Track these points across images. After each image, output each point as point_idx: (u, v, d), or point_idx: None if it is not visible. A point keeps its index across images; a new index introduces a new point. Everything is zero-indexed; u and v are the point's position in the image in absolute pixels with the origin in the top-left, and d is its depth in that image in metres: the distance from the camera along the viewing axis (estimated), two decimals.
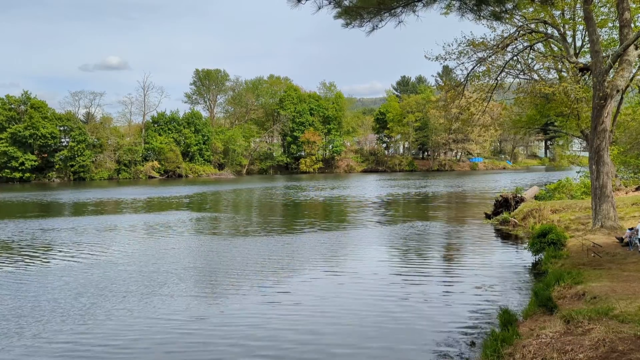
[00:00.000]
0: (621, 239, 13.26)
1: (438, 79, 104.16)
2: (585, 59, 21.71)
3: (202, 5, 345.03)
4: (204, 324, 9.82)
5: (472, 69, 19.40)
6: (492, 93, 20.36)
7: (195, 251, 17.71)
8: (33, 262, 16.30)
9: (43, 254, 17.76)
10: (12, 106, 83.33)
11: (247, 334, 9.17)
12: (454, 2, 8.98)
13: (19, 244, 19.74)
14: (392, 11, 8.93)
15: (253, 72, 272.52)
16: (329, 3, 8.86)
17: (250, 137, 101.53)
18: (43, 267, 15.63)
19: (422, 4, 8.83)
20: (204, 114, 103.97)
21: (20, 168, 79.21)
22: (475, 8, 8.77)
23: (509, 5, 9.30)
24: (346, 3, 8.92)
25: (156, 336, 9.19)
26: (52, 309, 10.95)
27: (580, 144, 47.91)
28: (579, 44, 23.25)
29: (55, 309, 10.91)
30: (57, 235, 21.88)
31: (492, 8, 8.96)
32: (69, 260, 16.41)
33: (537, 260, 14.41)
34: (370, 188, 52.04)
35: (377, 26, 9.37)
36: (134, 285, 12.82)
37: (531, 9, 19.51)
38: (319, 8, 8.87)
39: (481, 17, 9.31)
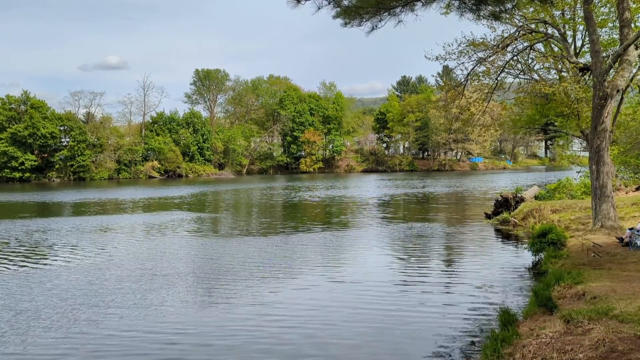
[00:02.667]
0: (621, 239, 13.26)
1: (438, 78, 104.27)
2: (585, 59, 21.69)
3: (201, 5, 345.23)
4: (192, 336, 9.13)
5: (472, 69, 19.42)
6: (492, 93, 20.37)
7: (188, 254, 17.05)
8: (13, 265, 15.59)
9: (25, 256, 17.07)
10: (12, 106, 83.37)
11: (241, 348, 8.55)
12: (453, 2, 8.97)
13: (0, 247, 19.05)
14: (392, 10, 8.92)
15: (253, 72, 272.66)
16: (329, 3, 8.84)
17: (251, 137, 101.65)
18: (24, 270, 14.88)
19: (422, 4, 8.81)
20: (204, 113, 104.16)
21: (20, 168, 79.25)
22: (474, 7, 8.76)
23: (509, 5, 9.29)
24: (345, 3, 8.90)
25: (139, 351, 8.59)
26: (33, 317, 10.39)
27: (581, 144, 47.88)
28: (579, 44, 23.23)
29: (36, 317, 10.34)
30: (43, 237, 21.35)
31: (491, 8, 8.94)
32: (52, 264, 15.77)
33: (537, 260, 14.40)
34: (370, 188, 52.03)
35: (376, 26, 9.33)
36: (121, 292, 12.18)
37: (531, 9, 19.51)
38: (319, 8, 8.84)
39: (480, 17, 9.28)
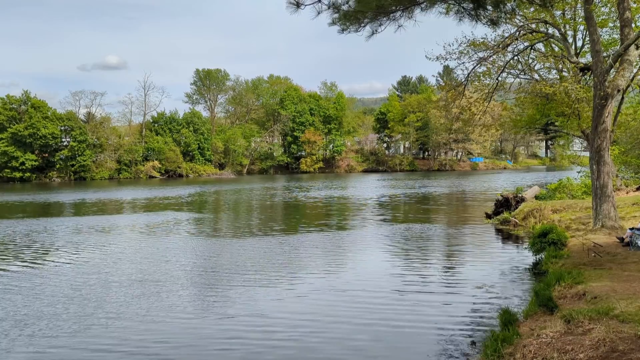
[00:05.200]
0: (622, 239, 13.25)
1: (439, 78, 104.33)
2: (585, 59, 21.70)
3: (200, 5, 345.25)
4: (183, 349, 8.52)
5: (473, 69, 19.43)
6: (492, 93, 20.37)
7: (181, 258, 16.21)
8: None
9: (8, 260, 16.49)
10: (13, 106, 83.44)
11: None
12: (452, 7, 8.99)
13: None
14: (391, 15, 8.93)
15: (253, 72, 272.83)
16: (328, 8, 8.85)
17: (251, 137, 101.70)
18: (7, 274, 14.26)
19: (421, 9, 8.83)
20: (205, 113, 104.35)
21: (20, 168, 79.37)
22: (472, 13, 8.78)
23: (508, 7, 9.32)
24: (344, 8, 8.90)
25: None
26: (14, 325, 9.84)
27: (581, 143, 47.88)
28: (579, 43, 23.28)
29: (17, 326, 9.80)
30: (31, 238, 20.78)
31: (490, 13, 8.97)
32: (37, 267, 15.18)
33: (537, 260, 14.40)
34: (370, 188, 52.02)
35: (376, 30, 9.33)
36: (109, 298, 11.55)
37: (532, 9, 19.52)
38: (318, 13, 8.82)
39: (478, 21, 9.29)
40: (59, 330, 9.56)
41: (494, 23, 9.50)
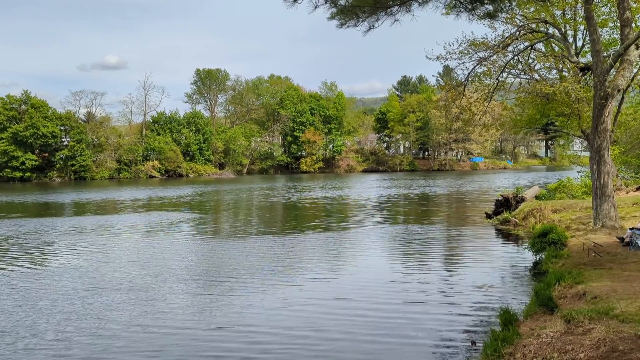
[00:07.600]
0: (622, 239, 13.24)
1: (439, 78, 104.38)
2: (586, 59, 21.71)
3: (200, 5, 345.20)
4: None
5: (473, 69, 19.42)
6: (493, 93, 20.36)
7: (171, 261, 15.60)
8: None
9: None
10: (13, 106, 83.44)
11: None
12: (449, 2, 8.96)
13: None
14: (388, 10, 8.91)
15: (253, 72, 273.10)
16: (325, 2, 8.81)
17: (251, 137, 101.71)
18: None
19: (418, 3, 8.81)
20: (205, 113, 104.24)
21: (21, 167, 79.35)
22: (469, 7, 8.76)
23: (505, 5, 9.31)
24: (342, 2, 8.89)
25: None
26: None
27: (581, 143, 47.93)
28: (579, 43, 23.29)
29: (3, 329, 9.49)
30: (15, 239, 20.40)
31: (486, 8, 8.94)
32: (16, 271, 14.65)
33: (537, 260, 14.39)
34: (370, 188, 52.01)
35: (373, 25, 9.31)
36: (96, 303, 11.10)
37: (532, 9, 19.53)
38: (315, 7, 8.79)
39: (475, 16, 9.25)
40: (40, 339, 9.06)
41: (491, 16, 9.48)
